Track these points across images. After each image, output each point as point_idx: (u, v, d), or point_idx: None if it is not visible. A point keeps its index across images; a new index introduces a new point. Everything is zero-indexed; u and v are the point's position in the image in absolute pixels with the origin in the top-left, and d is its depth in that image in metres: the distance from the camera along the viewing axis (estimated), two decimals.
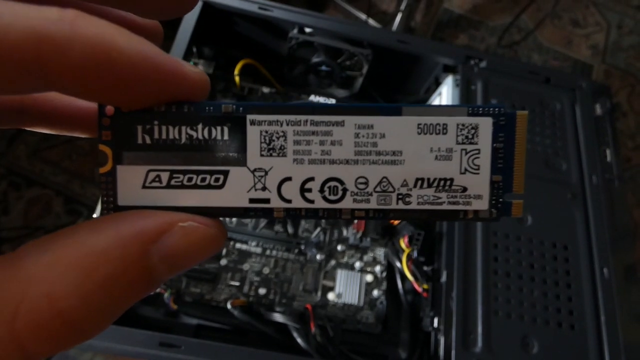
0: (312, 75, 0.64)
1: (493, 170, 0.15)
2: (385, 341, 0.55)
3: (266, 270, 0.55)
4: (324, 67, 0.62)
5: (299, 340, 0.45)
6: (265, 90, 0.65)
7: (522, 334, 0.44)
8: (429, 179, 0.14)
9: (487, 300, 0.45)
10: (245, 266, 0.55)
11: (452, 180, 0.15)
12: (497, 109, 0.15)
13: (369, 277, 0.57)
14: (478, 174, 0.15)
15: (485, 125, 0.14)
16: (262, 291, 0.54)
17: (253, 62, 0.62)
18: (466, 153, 0.14)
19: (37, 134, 1.04)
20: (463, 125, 0.14)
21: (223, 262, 0.55)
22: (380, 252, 0.58)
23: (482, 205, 0.15)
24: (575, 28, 1.42)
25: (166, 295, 0.49)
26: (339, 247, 0.58)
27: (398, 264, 0.55)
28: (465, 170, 0.15)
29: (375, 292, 0.56)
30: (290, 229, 0.58)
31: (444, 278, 0.51)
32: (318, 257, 0.56)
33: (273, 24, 0.58)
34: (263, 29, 0.59)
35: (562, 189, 0.52)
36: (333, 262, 0.57)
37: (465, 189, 0.15)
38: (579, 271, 0.47)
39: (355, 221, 0.56)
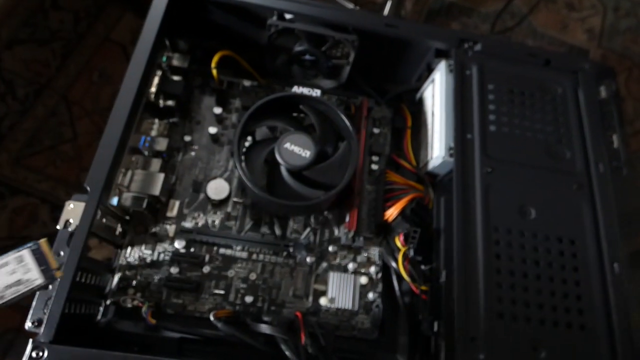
0: (295, 65, 0.60)
1: None
2: (382, 347, 0.51)
3: (253, 276, 0.51)
4: (307, 57, 0.58)
5: (287, 353, 0.41)
6: (247, 83, 0.61)
7: (529, 337, 0.41)
8: None
9: (490, 301, 0.42)
10: (230, 273, 0.51)
11: None
12: None
13: (363, 279, 0.53)
14: None
15: None
16: (248, 299, 0.50)
17: (231, 54, 0.58)
18: None
19: (18, 141, 1.00)
20: None
21: (206, 269, 0.51)
22: (374, 252, 0.55)
23: None
24: (570, 12, 1.38)
25: (144, 309, 0.45)
26: (331, 248, 0.54)
27: (394, 264, 0.52)
28: None
29: (371, 295, 0.52)
30: (277, 231, 0.54)
31: (443, 278, 0.47)
32: (308, 259, 0.53)
33: (250, 11, 0.54)
34: (240, 17, 0.55)
35: (567, 179, 0.49)
36: (324, 265, 0.53)
37: None
38: (588, 267, 0.44)
39: (347, 219, 0.52)
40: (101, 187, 0.39)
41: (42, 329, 0.34)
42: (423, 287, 0.48)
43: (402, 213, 0.52)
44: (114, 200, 0.47)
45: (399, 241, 0.52)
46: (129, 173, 0.49)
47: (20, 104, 1.04)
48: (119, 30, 1.10)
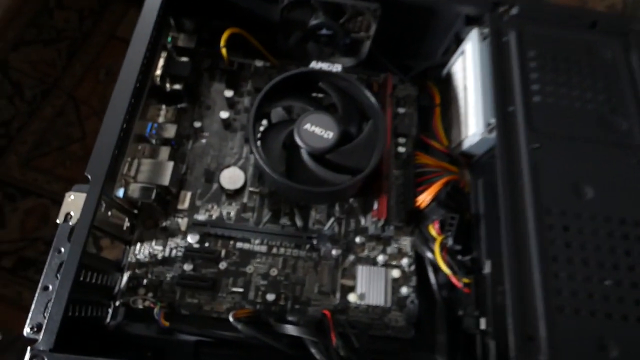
0: (310, 42, 0.55)
1: None
2: (419, 347, 0.46)
3: (274, 272, 0.47)
4: (324, 31, 0.53)
5: (318, 357, 0.36)
6: (259, 64, 0.57)
7: (595, 334, 0.35)
8: None
9: (548, 294, 0.36)
10: (249, 268, 0.47)
11: None
12: None
13: (395, 273, 0.48)
14: None
15: None
16: (270, 297, 0.45)
17: (241, 32, 0.53)
18: None
19: (27, 143, 0.98)
20: None
21: (222, 265, 0.46)
22: (406, 242, 0.50)
23: None
24: None
25: (156, 310, 0.41)
26: (358, 239, 0.49)
27: (429, 255, 0.47)
28: None
29: (404, 290, 0.47)
30: (298, 222, 0.49)
31: (487, 269, 0.42)
32: (334, 252, 0.48)
33: None
34: None
35: (625, 153, 0.43)
36: (352, 257, 0.49)
37: None
38: None
39: (375, 206, 0.47)
40: (103, 175, 0.35)
41: (41, 335, 0.30)
42: (465, 280, 0.42)
43: (435, 198, 0.47)
44: (120, 192, 0.42)
45: (433, 230, 0.47)
46: (136, 162, 0.45)
47: (27, 105, 1.01)
48: (124, 27, 1.07)
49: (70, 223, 0.34)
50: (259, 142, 0.46)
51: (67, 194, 0.35)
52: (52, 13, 1.09)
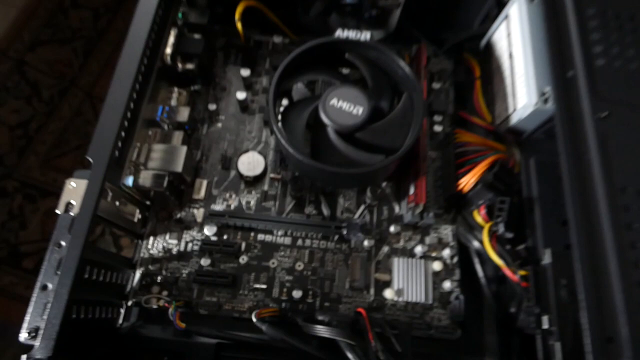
0: (333, 14, 0.50)
1: None
2: (466, 349, 0.41)
3: (300, 266, 0.42)
4: (348, 0, 0.48)
5: None
6: (277, 40, 0.52)
7: None
8: None
9: (628, 287, 0.30)
10: (272, 263, 0.42)
11: None
12: None
13: (436, 265, 0.42)
14: None
15: None
16: (296, 294, 0.41)
17: (257, 5, 0.48)
18: None
19: (46, 143, 0.96)
20: None
21: (243, 259, 0.42)
22: (447, 231, 0.44)
23: None
24: None
25: (171, 310, 0.37)
26: (392, 229, 0.44)
27: (475, 244, 0.41)
28: None
29: (447, 284, 0.42)
30: (325, 210, 0.44)
31: (547, 259, 0.36)
32: (366, 243, 0.43)
33: None
34: None
35: None
36: (386, 249, 0.43)
37: None
38: None
39: (412, 191, 0.42)
40: (107, 158, 0.31)
41: (38, 341, 0.26)
42: (522, 272, 0.37)
43: (481, 180, 0.41)
44: (129, 180, 0.38)
45: (479, 216, 0.42)
46: (146, 148, 0.40)
47: (45, 105, 1.00)
48: None
49: (72, 213, 0.30)
50: (279, 122, 0.41)
51: (67, 181, 0.31)
52: (67, 12, 1.08)
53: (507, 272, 0.37)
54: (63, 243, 0.29)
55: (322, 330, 0.32)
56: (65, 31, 1.06)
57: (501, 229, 0.39)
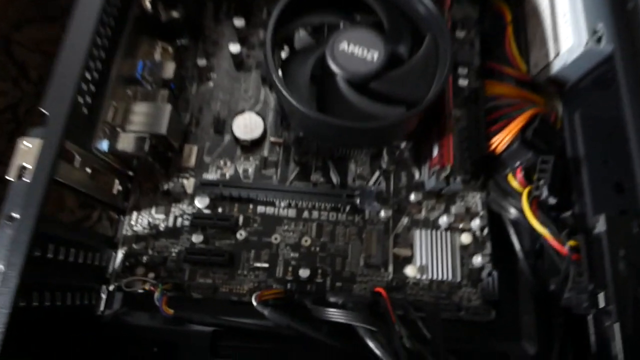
0: None
1: None
2: (500, 332, 0.36)
3: (306, 242, 0.36)
4: None
5: (378, 352, 0.26)
6: None
7: None
8: None
9: None
10: (275, 238, 0.36)
11: None
12: None
13: (464, 238, 0.37)
14: None
15: None
16: (303, 273, 0.35)
17: None
18: None
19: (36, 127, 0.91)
20: None
21: (241, 235, 0.36)
22: (475, 199, 0.38)
23: None
24: None
25: (156, 294, 0.31)
26: (412, 197, 0.38)
27: (511, 212, 0.35)
28: None
29: (478, 259, 0.36)
30: (334, 177, 0.38)
31: (601, 227, 0.30)
32: (382, 214, 0.37)
33: None
34: None
35: None
36: (405, 220, 0.38)
37: None
38: None
39: (435, 152, 0.36)
40: (66, 110, 0.25)
41: None
42: (572, 243, 0.31)
43: (517, 138, 0.35)
44: (104, 144, 0.32)
45: (514, 180, 0.36)
46: (123, 107, 0.34)
47: (34, 86, 0.94)
48: None
49: (26, 179, 0.25)
50: (279, 72, 0.34)
51: (18, 140, 0.25)
52: None
53: (554, 243, 0.31)
54: (16, 215, 0.24)
55: (336, 315, 0.27)
56: (53, 8, 1.00)
57: (544, 193, 0.33)
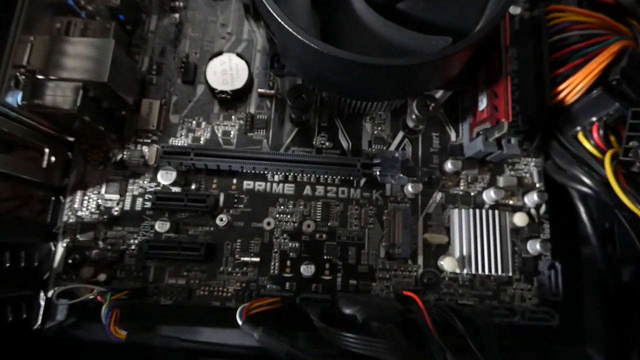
0: None
1: None
2: (561, 336, 0.28)
3: (309, 227, 0.27)
4: None
5: None
6: None
7: None
8: None
9: None
10: (268, 223, 0.28)
11: None
12: None
13: (517, 218, 0.28)
14: None
15: None
16: (307, 270, 0.26)
17: None
18: None
19: None
20: None
21: (222, 220, 0.27)
22: (530, 167, 0.29)
23: None
24: None
25: (104, 309, 0.22)
26: (449, 165, 0.29)
27: (584, 182, 0.26)
28: None
29: (534, 246, 0.28)
30: (345, 141, 0.29)
31: None
32: (410, 188, 0.28)
33: None
34: None
35: None
36: (439, 197, 0.29)
37: None
38: None
39: (483, 105, 0.26)
40: None
41: None
42: None
43: (597, 83, 0.26)
44: (15, 98, 0.23)
45: (587, 141, 0.27)
46: (47, 46, 0.24)
47: None
48: None
49: None
50: None
51: None
52: None
53: None
54: None
55: (359, 345, 0.18)
56: None
57: (637, 158, 0.24)
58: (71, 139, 0.28)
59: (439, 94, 0.27)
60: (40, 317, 0.26)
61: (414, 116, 0.27)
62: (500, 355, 0.22)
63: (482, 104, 0.27)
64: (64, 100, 0.24)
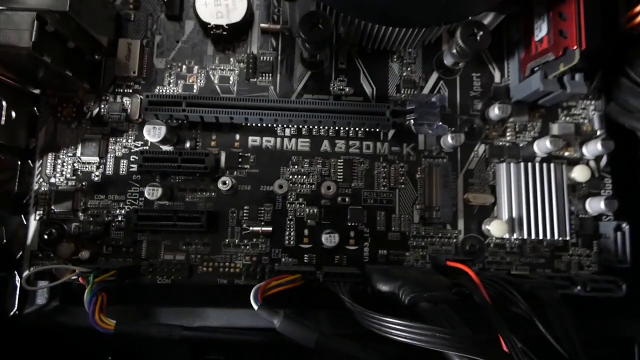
0: None
1: None
2: (624, 308, 0.24)
3: (329, 189, 0.23)
4: None
5: None
6: None
7: None
8: None
9: None
10: (280, 186, 0.23)
11: None
12: None
13: (576, 173, 0.24)
14: None
15: None
16: (329, 239, 0.22)
17: None
18: None
19: None
20: None
21: (225, 183, 0.23)
22: (589, 111, 0.24)
23: None
24: None
25: (86, 293, 0.18)
26: (495, 111, 0.24)
27: None
28: None
29: (596, 205, 0.24)
30: (368, 86, 0.24)
31: None
32: (450, 140, 0.23)
33: None
34: None
35: None
36: (482, 149, 0.24)
37: None
38: None
39: (543, 31, 0.21)
40: None
41: None
42: None
43: None
44: None
45: None
46: None
47: None
48: None
49: None
50: None
51: None
52: None
53: None
54: None
55: (410, 334, 0.14)
56: None
57: None
58: (36, 91, 0.23)
59: (487, 19, 0.22)
60: (16, 302, 0.22)
61: (455, 50, 0.22)
62: (580, 340, 0.18)
63: (541, 31, 0.22)
64: (17, 36, 0.19)
